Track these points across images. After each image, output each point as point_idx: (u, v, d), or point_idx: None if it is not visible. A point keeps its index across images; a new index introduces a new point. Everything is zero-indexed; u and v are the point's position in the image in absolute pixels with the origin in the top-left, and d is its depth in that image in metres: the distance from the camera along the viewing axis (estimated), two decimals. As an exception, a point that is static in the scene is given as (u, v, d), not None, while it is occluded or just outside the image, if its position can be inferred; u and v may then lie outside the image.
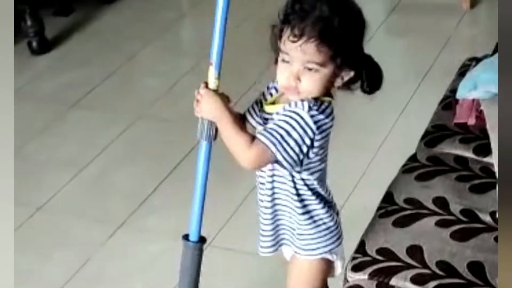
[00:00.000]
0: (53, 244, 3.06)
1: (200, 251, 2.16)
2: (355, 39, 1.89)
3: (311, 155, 1.90)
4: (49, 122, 3.80)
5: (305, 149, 1.87)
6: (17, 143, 3.62)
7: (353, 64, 1.89)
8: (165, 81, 4.06)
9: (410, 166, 2.42)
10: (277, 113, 1.91)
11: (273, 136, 1.85)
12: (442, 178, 2.33)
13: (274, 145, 1.85)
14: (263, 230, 2.10)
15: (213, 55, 1.93)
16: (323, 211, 2.02)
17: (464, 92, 2.62)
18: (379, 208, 2.28)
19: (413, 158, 2.48)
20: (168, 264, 2.90)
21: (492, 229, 2.11)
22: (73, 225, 3.15)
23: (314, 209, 2.01)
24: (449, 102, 2.68)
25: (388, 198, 2.31)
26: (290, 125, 1.85)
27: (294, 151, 1.86)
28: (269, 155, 1.86)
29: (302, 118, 1.85)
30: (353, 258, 2.11)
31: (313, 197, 2.00)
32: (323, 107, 1.88)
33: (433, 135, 2.56)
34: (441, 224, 2.16)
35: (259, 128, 1.99)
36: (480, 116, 2.52)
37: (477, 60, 2.82)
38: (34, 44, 4.36)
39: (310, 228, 2.03)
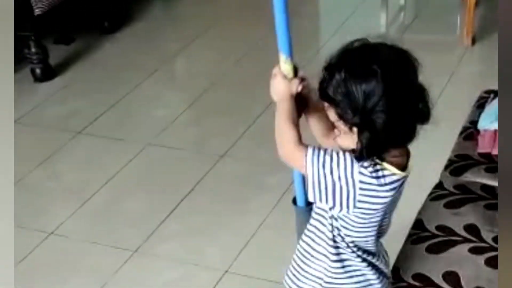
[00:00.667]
0: (67, 270, 3.02)
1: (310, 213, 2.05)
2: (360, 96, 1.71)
3: (350, 211, 1.80)
4: (55, 149, 3.78)
5: (337, 194, 1.77)
6: (23, 170, 3.62)
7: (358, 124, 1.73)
8: (170, 110, 4.06)
9: (438, 194, 2.44)
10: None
11: (318, 157, 1.77)
12: (471, 205, 2.35)
13: (312, 165, 1.77)
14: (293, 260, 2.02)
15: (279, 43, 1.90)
16: (363, 264, 1.91)
17: (486, 123, 2.68)
18: (410, 235, 2.29)
19: (439, 186, 2.49)
20: (182, 292, 2.90)
21: (526, 256, 2.13)
22: (86, 251, 3.12)
23: (349, 259, 1.90)
24: (470, 132, 2.72)
25: (419, 224, 2.32)
26: (338, 162, 1.76)
27: (326, 185, 1.77)
28: (302, 166, 1.79)
29: (351, 166, 1.75)
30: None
31: (350, 251, 1.89)
32: (379, 173, 1.75)
33: (458, 164, 2.58)
34: (474, 251, 2.17)
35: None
36: (503, 146, 2.56)
37: (495, 93, 2.88)
38: (38, 71, 4.35)
39: (342, 278, 1.92)
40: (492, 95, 2.87)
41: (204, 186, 3.46)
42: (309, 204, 2.03)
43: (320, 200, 1.79)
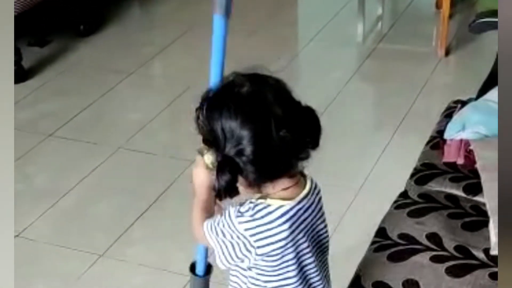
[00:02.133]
0: (32, 273, 3.01)
1: (207, 282, 2.14)
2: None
3: (256, 260, 1.74)
4: (26, 151, 3.77)
5: (237, 250, 1.73)
6: (-7, 171, 3.59)
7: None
8: (143, 114, 4.05)
9: (402, 202, 2.44)
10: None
11: (212, 228, 1.75)
12: (434, 214, 2.35)
13: (211, 238, 1.75)
14: None
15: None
16: None
17: (452, 133, 2.69)
18: (372, 243, 2.29)
19: (404, 194, 2.50)
20: (149, 297, 2.89)
21: (486, 266, 2.13)
22: (52, 254, 3.10)
23: None
24: (436, 142, 2.72)
25: (381, 233, 2.32)
26: (223, 224, 1.73)
27: (227, 248, 1.73)
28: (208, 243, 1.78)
29: (231, 221, 1.71)
30: (349, 292, 2.11)
31: None
32: (261, 212, 1.69)
33: (423, 173, 2.58)
34: (436, 259, 2.17)
35: None
36: (469, 156, 2.57)
37: (462, 103, 2.89)
38: (11, 73, 4.32)
39: None
40: (459, 105, 2.88)
41: (174, 191, 3.45)
42: (206, 274, 2.08)
43: (229, 263, 1.75)
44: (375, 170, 3.51)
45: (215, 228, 1.74)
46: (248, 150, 1.62)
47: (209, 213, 1.83)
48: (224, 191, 1.65)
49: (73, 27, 4.88)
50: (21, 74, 4.37)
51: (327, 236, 1.86)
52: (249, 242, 1.71)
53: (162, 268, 3.01)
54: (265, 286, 1.80)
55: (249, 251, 1.72)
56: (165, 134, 3.93)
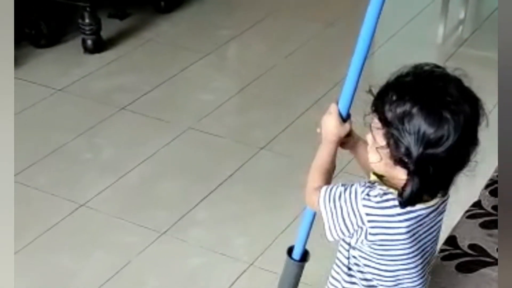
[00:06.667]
0: (93, 244, 3.02)
1: (302, 268, 2.13)
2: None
3: (363, 243, 1.73)
4: (97, 122, 3.78)
5: (349, 227, 1.70)
6: (62, 139, 3.64)
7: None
8: (215, 96, 4.03)
9: (475, 212, 2.38)
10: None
11: (329, 196, 1.73)
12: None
13: (324, 206, 1.73)
14: None
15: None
16: None
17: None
18: (441, 250, 2.24)
19: (477, 204, 2.43)
20: (206, 279, 2.87)
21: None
22: (114, 227, 3.11)
23: None
24: (516, 153, 2.64)
25: (452, 241, 2.26)
26: (344, 198, 1.70)
27: (338, 221, 1.71)
28: (318, 208, 1.77)
29: (355, 200, 1.68)
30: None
31: (365, 285, 1.81)
32: (388, 203, 1.65)
33: (499, 184, 2.51)
34: (506, 274, 2.11)
35: None
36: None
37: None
38: (89, 42, 4.35)
39: None
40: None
41: (240, 176, 3.43)
42: (302, 260, 2.08)
43: (338, 236, 1.73)
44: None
45: (334, 201, 1.71)
46: (440, 158, 1.58)
47: (327, 172, 1.83)
48: (413, 198, 1.62)
49: (153, 3, 4.88)
50: (99, 45, 4.39)
51: (435, 245, 1.83)
52: (364, 225, 1.68)
53: (221, 252, 2.99)
54: (360, 270, 1.79)
55: (360, 233, 1.70)
56: (235, 119, 3.91)
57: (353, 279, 1.82)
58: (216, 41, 4.60)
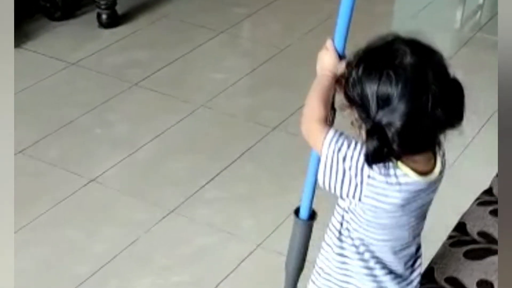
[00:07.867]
0: (102, 219, 3.02)
1: (310, 228, 2.10)
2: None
3: (356, 204, 1.74)
4: (109, 97, 3.77)
5: (345, 183, 1.70)
6: (74, 113, 3.63)
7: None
8: (228, 75, 4.01)
9: (486, 200, 2.36)
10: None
11: (337, 141, 1.70)
12: (518, 216, 2.26)
13: (328, 148, 1.70)
14: None
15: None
16: (363, 271, 1.83)
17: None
18: (450, 237, 2.22)
19: (488, 192, 2.42)
20: (214, 259, 2.86)
21: None
22: (123, 203, 3.11)
23: (349, 258, 1.83)
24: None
25: (461, 228, 2.25)
26: (353, 152, 1.69)
27: (336, 172, 1.70)
28: (318, 145, 1.73)
29: (363, 159, 1.67)
30: (421, 284, 2.05)
31: (354, 250, 1.82)
32: (390, 171, 1.66)
33: (511, 172, 2.49)
34: (515, 263, 2.09)
35: None
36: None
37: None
38: (104, 17, 4.34)
39: (339, 274, 1.86)
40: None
41: (251, 156, 3.42)
42: (311, 219, 2.05)
43: (329, 186, 1.72)
44: (458, 161, 3.41)
45: (341, 147, 1.69)
46: (398, 123, 1.59)
47: (326, 102, 1.79)
48: (372, 156, 1.62)
49: (169, -21, 4.87)
50: (114, 19, 4.38)
51: (422, 222, 1.84)
52: (361, 186, 1.68)
53: (228, 231, 2.98)
54: (350, 234, 1.80)
55: (355, 193, 1.70)
56: (247, 98, 3.89)
57: (343, 244, 1.82)
58: (231, 19, 4.58)
